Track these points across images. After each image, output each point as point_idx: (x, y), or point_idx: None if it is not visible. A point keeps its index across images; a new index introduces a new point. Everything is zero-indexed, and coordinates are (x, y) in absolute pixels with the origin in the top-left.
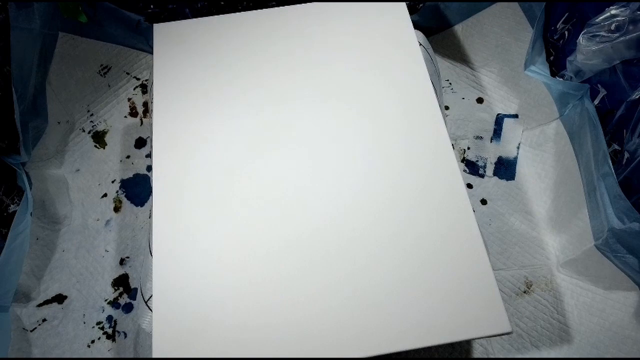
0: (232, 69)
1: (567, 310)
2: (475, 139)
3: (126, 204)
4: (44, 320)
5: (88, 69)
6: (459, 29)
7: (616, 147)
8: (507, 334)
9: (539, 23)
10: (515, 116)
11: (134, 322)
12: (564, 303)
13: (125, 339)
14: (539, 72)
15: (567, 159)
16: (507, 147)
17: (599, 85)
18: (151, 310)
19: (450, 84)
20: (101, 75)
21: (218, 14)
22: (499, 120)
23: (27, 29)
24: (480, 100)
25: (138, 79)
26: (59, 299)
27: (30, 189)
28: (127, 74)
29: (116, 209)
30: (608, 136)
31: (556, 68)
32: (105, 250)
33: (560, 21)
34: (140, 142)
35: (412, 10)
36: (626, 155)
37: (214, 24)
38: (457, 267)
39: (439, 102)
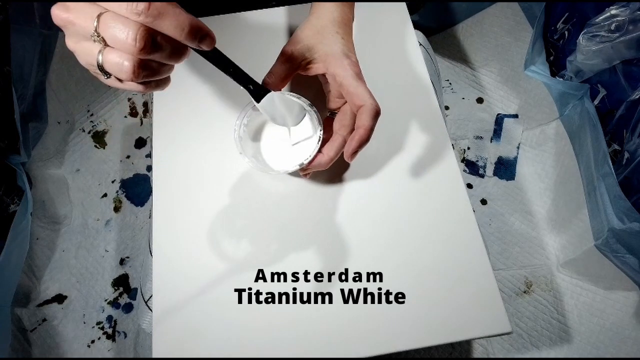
0: None
1: (567, 310)
2: (475, 139)
3: (126, 204)
4: (44, 320)
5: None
6: (459, 29)
7: (616, 147)
8: (507, 334)
9: (539, 23)
10: (515, 116)
11: (134, 322)
12: (564, 303)
13: (125, 339)
14: (539, 72)
15: (567, 159)
16: (507, 147)
17: (599, 85)
18: (151, 310)
19: (450, 84)
20: None
21: (218, 13)
22: (499, 120)
23: (27, 29)
24: (480, 100)
25: None
26: (59, 299)
27: (30, 189)
28: None
29: (116, 209)
30: (608, 136)
31: (556, 68)
32: (105, 250)
33: (560, 21)
34: (140, 142)
35: (412, 10)
36: (626, 155)
37: (214, 24)
38: (456, 267)
39: (439, 102)
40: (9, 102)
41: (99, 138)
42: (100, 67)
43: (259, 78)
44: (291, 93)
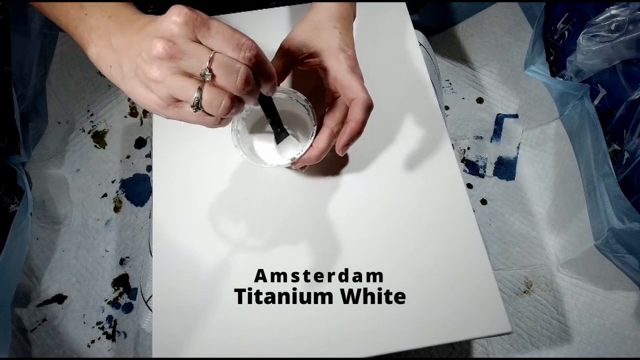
0: None
1: (567, 310)
2: (475, 139)
3: (126, 204)
4: (44, 320)
5: (88, 69)
6: (459, 29)
7: (616, 147)
8: (507, 334)
9: (539, 23)
10: (515, 116)
11: (134, 322)
12: (564, 303)
13: (125, 339)
14: (539, 72)
15: (567, 159)
16: (507, 147)
17: (599, 85)
18: (151, 310)
19: (450, 84)
20: (101, 75)
21: (218, 13)
22: (499, 120)
23: (27, 29)
24: (480, 100)
25: None
26: (59, 299)
27: (30, 189)
28: None
29: (116, 209)
30: (608, 136)
31: (556, 68)
32: (105, 250)
33: (560, 21)
34: (140, 142)
35: (412, 10)
36: (626, 155)
37: None
38: (456, 267)
39: (439, 102)
40: (9, 102)
41: (99, 138)
42: (196, 101)
43: None
44: (288, 89)
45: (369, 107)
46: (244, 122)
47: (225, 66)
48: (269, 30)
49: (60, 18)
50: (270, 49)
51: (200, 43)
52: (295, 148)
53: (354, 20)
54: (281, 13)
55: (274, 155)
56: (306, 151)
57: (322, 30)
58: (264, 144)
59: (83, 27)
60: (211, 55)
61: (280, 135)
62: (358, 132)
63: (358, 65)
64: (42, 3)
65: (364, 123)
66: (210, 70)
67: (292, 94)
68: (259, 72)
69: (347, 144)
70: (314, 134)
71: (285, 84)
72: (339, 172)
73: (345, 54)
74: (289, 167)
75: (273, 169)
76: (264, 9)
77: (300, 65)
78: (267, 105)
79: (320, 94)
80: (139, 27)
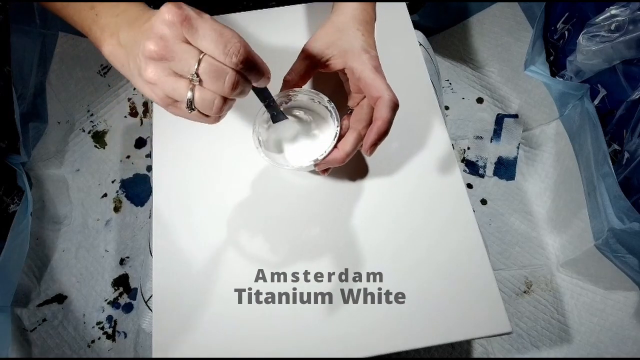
0: None
1: (567, 310)
2: (475, 139)
3: (126, 204)
4: (44, 320)
5: (88, 69)
6: (459, 29)
7: (616, 147)
8: (507, 334)
9: (539, 23)
10: (515, 116)
11: (134, 322)
12: (564, 303)
13: (125, 339)
14: (539, 72)
15: (567, 159)
16: (507, 147)
17: (599, 85)
18: (151, 310)
19: (450, 84)
20: (101, 75)
21: (218, 13)
22: (499, 120)
23: (27, 29)
24: (480, 100)
25: None
26: (59, 299)
27: (30, 189)
28: None
29: (116, 209)
30: (608, 136)
31: (556, 68)
32: (105, 250)
33: (560, 21)
34: (140, 142)
35: (412, 10)
36: (626, 155)
37: None
38: (457, 267)
39: (439, 102)
40: (9, 102)
41: (99, 138)
42: (189, 102)
43: None
44: (311, 90)
45: (395, 106)
46: (265, 125)
47: (213, 71)
48: (268, 31)
49: (74, 19)
50: (270, 49)
51: (191, 43)
52: (291, 130)
53: (374, 22)
54: (281, 13)
55: (295, 157)
56: (330, 153)
57: (345, 32)
58: (286, 146)
59: (95, 28)
60: (200, 58)
61: (276, 117)
62: (385, 132)
63: (381, 66)
64: (56, 3)
65: (390, 122)
66: (198, 75)
67: (314, 95)
68: (250, 71)
69: (375, 144)
70: (337, 136)
71: (307, 86)
72: (337, 173)
73: (369, 54)
74: (312, 171)
75: (294, 171)
76: (264, 9)
77: (322, 68)
78: (260, 91)
79: (340, 96)
80: (143, 22)
